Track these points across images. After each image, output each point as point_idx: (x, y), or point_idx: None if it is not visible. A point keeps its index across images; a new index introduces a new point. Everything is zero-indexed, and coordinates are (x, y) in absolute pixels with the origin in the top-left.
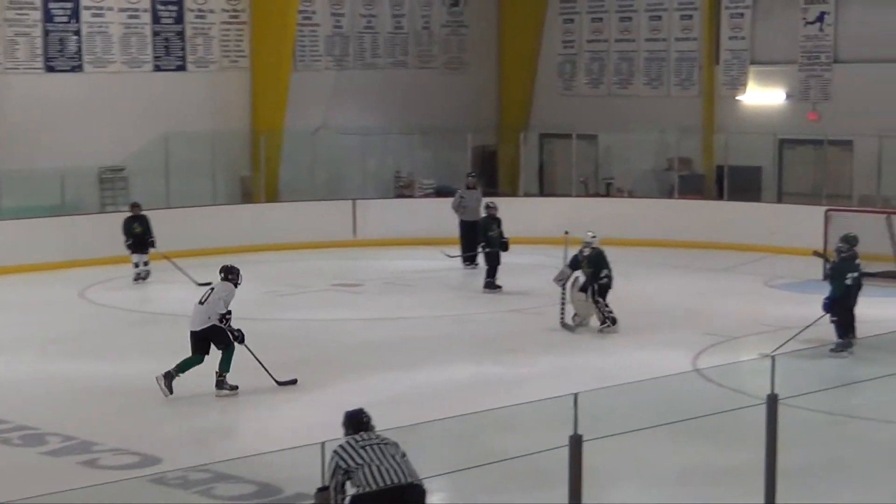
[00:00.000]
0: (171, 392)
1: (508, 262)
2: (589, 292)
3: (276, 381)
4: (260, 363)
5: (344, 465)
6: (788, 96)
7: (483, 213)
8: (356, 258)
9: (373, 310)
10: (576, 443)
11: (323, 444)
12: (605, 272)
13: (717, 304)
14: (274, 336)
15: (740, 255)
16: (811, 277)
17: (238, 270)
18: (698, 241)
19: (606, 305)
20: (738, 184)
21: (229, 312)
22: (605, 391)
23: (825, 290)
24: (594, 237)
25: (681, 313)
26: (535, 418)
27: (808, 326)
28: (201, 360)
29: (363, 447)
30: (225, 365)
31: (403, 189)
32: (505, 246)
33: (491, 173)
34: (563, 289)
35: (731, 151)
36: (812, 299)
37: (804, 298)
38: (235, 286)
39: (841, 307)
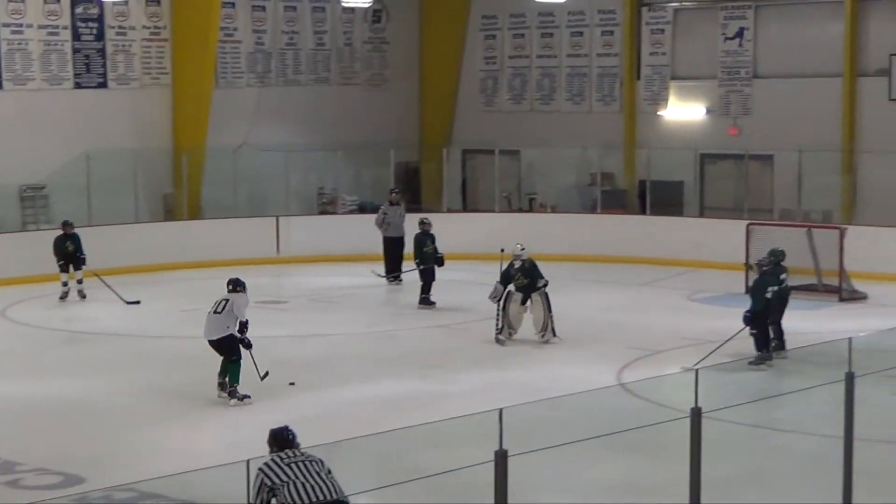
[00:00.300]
0: (246, 396)
1: (416, 276)
2: (542, 301)
3: (261, 377)
4: (257, 369)
5: (269, 483)
6: (709, 111)
7: (417, 229)
8: (280, 275)
9: (297, 327)
10: (501, 458)
11: (248, 461)
12: (542, 280)
13: (640, 318)
14: (198, 355)
15: (663, 269)
16: (733, 291)
17: (244, 282)
18: (621, 256)
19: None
20: (660, 198)
21: (247, 321)
22: (530, 406)
23: (747, 303)
24: (523, 249)
25: (604, 328)
26: (461, 434)
27: (728, 340)
28: (238, 362)
29: (288, 464)
30: (234, 377)
31: (327, 206)
32: (440, 261)
33: (414, 189)
34: (499, 305)
35: (652, 166)
36: (734, 313)
37: (726, 312)
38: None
39: (761, 321)
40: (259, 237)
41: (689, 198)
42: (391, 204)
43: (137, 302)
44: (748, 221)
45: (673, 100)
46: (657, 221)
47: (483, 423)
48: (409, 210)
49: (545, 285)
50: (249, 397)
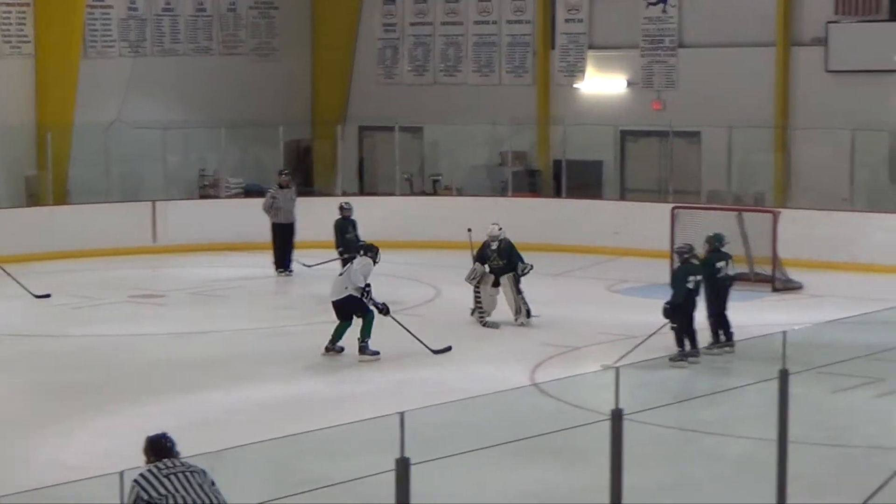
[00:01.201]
0: (340, 351)
1: (323, 267)
2: (511, 284)
3: (432, 350)
4: (411, 334)
5: (146, 497)
6: (630, 84)
7: (337, 215)
8: (157, 266)
9: (177, 324)
10: (402, 467)
11: (122, 473)
12: (527, 265)
13: (556, 311)
14: (65, 354)
15: (580, 257)
16: (657, 281)
17: (377, 249)
18: (535, 244)
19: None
20: (577, 180)
21: (369, 286)
22: (435, 409)
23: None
24: (501, 229)
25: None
26: (360, 440)
27: (652, 334)
28: (349, 325)
29: (167, 476)
30: (366, 331)
31: (209, 189)
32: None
33: (306, 171)
34: (478, 287)
35: (568, 144)
36: (659, 305)
37: (650, 304)
38: (374, 263)
39: (682, 313)
40: (133, 224)
41: (608, 179)
42: (280, 187)
43: (48, 295)
44: (673, 205)
45: (591, 71)
46: (574, 205)
47: (384, 427)
48: (301, 194)
49: (526, 270)
50: (379, 354)
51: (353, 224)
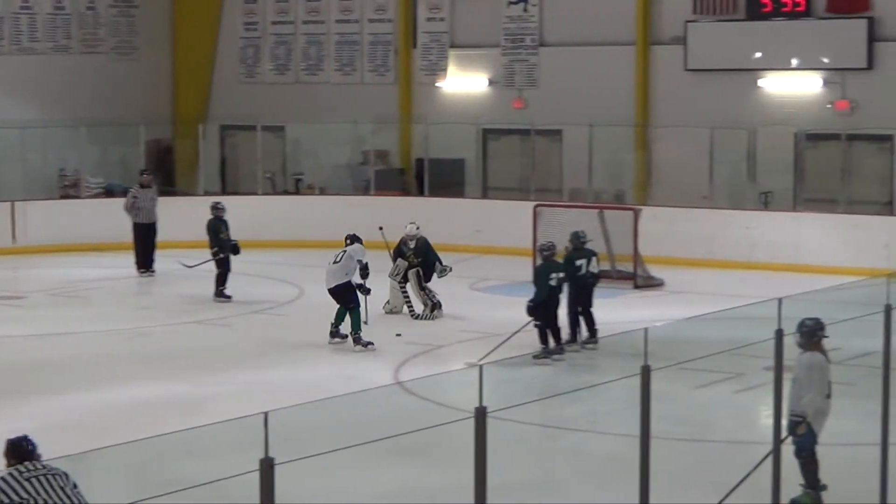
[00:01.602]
0: (343, 338)
1: (196, 269)
2: (415, 280)
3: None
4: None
5: (6, 500)
6: (492, 83)
7: (209, 215)
8: (16, 267)
9: (38, 325)
10: (267, 467)
11: None
12: (446, 267)
13: (418, 310)
14: None
15: (443, 255)
16: (519, 279)
17: (359, 236)
18: (397, 242)
19: (431, 290)
20: (439, 178)
21: (367, 264)
22: (299, 409)
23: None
24: (418, 228)
25: (379, 322)
26: (224, 441)
27: (516, 332)
28: (357, 309)
29: (28, 479)
30: (356, 325)
31: (69, 189)
32: (236, 249)
33: (167, 170)
34: (403, 282)
35: (431, 143)
36: (522, 303)
37: (513, 302)
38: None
39: (545, 311)
40: None
41: (470, 177)
42: (142, 186)
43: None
44: (535, 203)
45: (452, 70)
46: (437, 203)
47: (248, 428)
48: (163, 193)
49: (445, 272)
50: (373, 344)
51: (226, 224)
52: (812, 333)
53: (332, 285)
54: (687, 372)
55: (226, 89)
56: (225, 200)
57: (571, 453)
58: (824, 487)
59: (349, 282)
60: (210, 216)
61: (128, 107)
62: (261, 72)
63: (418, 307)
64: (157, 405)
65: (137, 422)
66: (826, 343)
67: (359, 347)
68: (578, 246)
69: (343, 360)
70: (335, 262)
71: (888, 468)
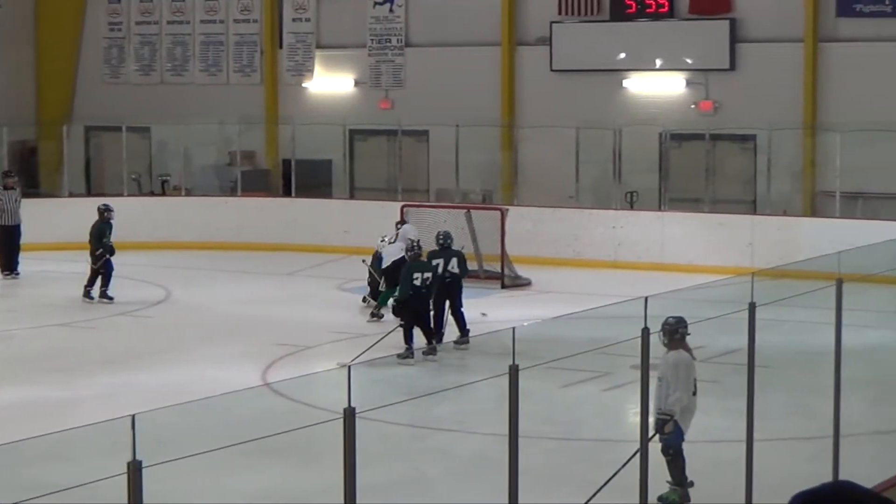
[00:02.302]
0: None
1: (45, 269)
2: None
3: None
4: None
5: None
6: (358, 83)
7: (95, 216)
8: None
9: None
10: (135, 470)
11: None
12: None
13: (287, 311)
14: None
15: (311, 256)
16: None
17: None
18: (265, 243)
19: None
20: (306, 179)
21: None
22: (167, 411)
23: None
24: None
25: (248, 323)
26: (90, 444)
27: (389, 333)
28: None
29: None
30: (383, 301)
31: None
32: (112, 251)
33: (31, 171)
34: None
35: (297, 144)
36: (389, 303)
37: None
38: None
39: (410, 310)
40: None
41: (337, 178)
42: (5, 188)
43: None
44: (402, 203)
45: (319, 71)
46: (303, 204)
47: (114, 431)
48: (27, 195)
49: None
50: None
51: (111, 226)
52: (674, 331)
53: (390, 263)
54: (554, 371)
55: (90, 90)
56: (90, 202)
57: (440, 453)
58: (691, 484)
59: (403, 257)
60: (98, 218)
61: None
62: (125, 72)
63: None
64: (22, 409)
65: (1, 426)
66: (690, 341)
67: (373, 321)
68: (443, 246)
69: (211, 362)
70: (390, 243)
71: (753, 465)
